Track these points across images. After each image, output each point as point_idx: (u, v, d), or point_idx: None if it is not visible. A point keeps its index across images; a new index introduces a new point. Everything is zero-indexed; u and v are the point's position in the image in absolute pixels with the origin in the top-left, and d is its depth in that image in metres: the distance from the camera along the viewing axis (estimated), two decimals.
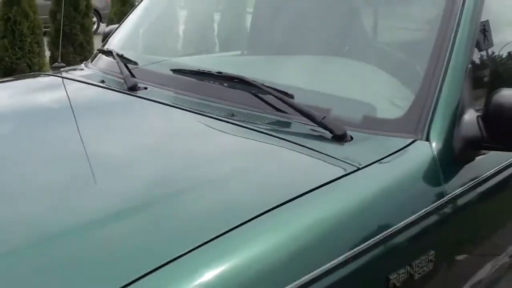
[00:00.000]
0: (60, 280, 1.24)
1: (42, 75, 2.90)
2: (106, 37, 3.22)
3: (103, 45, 3.01)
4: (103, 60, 2.79)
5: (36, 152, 1.90)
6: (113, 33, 3.10)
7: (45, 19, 9.50)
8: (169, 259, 1.27)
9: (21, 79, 3.22)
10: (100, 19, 16.80)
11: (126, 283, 1.20)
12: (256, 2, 2.95)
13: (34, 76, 3.02)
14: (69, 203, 1.55)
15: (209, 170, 1.73)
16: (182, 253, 1.29)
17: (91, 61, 2.93)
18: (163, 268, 1.25)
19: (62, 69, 2.89)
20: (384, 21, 2.49)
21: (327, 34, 2.41)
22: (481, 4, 2.21)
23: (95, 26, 13.82)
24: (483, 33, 2.25)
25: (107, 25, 10.00)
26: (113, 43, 2.93)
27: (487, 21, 2.27)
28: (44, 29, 9.26)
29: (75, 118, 2.16)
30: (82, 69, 2.86)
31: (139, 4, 3.15)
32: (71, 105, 2.30)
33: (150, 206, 1.51)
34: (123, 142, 1.98)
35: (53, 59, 9.58)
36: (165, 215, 1.48)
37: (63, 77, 2.69)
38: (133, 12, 3.11)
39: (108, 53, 2.73)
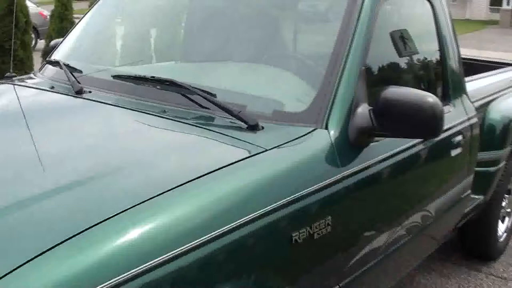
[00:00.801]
0: None
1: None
2: (51, 49, 3.54)
3: (50, 56, 3.35)
4: (51, 70, 3.12)
5: None
6: (59, 45, 3.43)
7: None
8: (106, 217, 1.63)
9: None
10: (37, 36, 16.84)
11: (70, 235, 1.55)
12: (186, 20, 3.33)
13: None
14: None
15: (142, 153, 2.12)
16: (116, 213, 1.65)
17: (39, 71, 3.27)
18: (105, 222, 1.62)
19: (14, 78, 3.21)
20: (292, 32, 2.92)
21: (244, 44, 2.83)
22: (374, 18, 2.65)
23: (33, 43, 13.91)
24: (376, 42, 2.68)
25: (46, 42, 10.29)
26: (59, 55, 3.26)
27: (380, 33, 2.71)
28: None
29: (29, 118, 2.50)
30: (32, 78, 3.18)
31: (81, 19, 3.49)
32: (25, 108, 2.64)
33: (91, 179, 1.87)
34: (71, 136, 2.34)
35: None
36: (104, 187, 1.85)
37: (17, 84, 3.02)
38: (77, 26, 3.46)
39: (55, 63, 3.06)
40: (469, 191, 3.67)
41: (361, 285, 2.57)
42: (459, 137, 3.30)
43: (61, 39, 3.59)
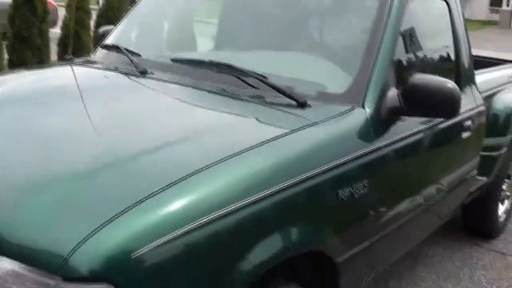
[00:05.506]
0: None
1: (62, 64, 3.58)
2: (101, 36, 3.92)
3: (102, 42, 3.74)
4: (108, 53, 3.51)
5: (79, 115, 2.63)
6: (111, 33, 3.81)
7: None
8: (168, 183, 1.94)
9: (46, 68, 3.99)
10: None
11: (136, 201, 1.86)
12: (233, 14, 3.72)
13: (56, 65, 3.72)
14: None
15: (207, 124, 2.54)
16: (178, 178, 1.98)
17: (92, 54, 3.67)
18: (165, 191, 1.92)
19: (75, 60, 3.59)
20: (332, 26, 3.33)
21: (289, 36, 3.25)
22: (400, 16, 3.06)
23: None
24: (403, 36, 3.09)
25: (62, 31, 10.63)
26: (113, 40, 3.64)
27: (406, 29, 3.12)
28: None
29: (105, 94, 2.92)
30: (91, 61, 3.56)
31: (131, 10, 3.88)
32: (98, 85, 3.07)
33: (166, 145, 2.25)
34: (143, 109, 2.74)
35: (11, 62, 10.08)
36: (176, 152, 2.22)
37: (82, 65, 3.42)
38: (128, 16, 3.85)
39: (114, 47, 3.45)
40: (475, 172, 4.09)
41: (384, 245, 2.98)
42: (469, 122, 3.72)
43: (111, 26, 3.98)
